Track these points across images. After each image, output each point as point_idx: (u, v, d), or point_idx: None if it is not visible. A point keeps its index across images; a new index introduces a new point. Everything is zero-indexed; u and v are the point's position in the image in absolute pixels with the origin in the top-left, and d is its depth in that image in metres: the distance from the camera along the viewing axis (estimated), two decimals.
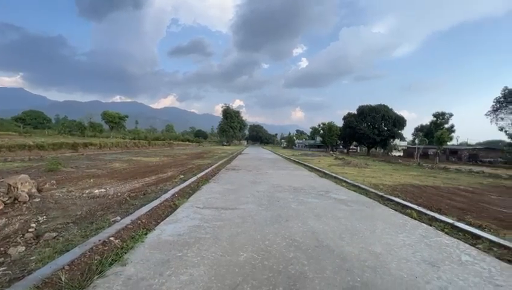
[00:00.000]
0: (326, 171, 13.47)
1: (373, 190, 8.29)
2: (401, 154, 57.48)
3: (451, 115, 49.48)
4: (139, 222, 4.34)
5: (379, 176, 13.00)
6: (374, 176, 12.55)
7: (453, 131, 45.09)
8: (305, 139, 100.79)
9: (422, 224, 5.07)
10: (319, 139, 72.57)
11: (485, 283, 2.89)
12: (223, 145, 78.24)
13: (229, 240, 3.83)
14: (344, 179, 10.86)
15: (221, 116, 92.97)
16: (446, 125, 46.33)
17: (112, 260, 3.03)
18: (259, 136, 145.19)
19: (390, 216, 5.61)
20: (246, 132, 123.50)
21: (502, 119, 40.51)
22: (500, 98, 40.73)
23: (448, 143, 42.45)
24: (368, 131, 52.27)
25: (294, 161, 22.55)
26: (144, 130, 72.86)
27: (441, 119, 48.23)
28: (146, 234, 3.94)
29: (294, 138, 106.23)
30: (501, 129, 40.84)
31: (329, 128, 60.09)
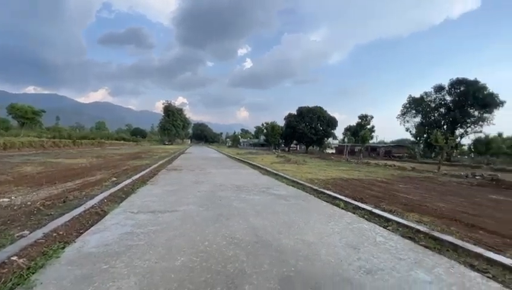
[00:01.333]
0: (269, 169, 14.03)
1: (309, 185, 9.00)
2: (334, 151, 64.14)
3: (372, 117, 57.51)
4: (55, 234, 3.71)
5: (315, 171, 14.21)
6: (311, 172, 13.65)
7: (374, 131, 52.47)
8: (250, 138, 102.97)
9: (348, 212, 5.75)
10: (262, 138, 75.11)
11: (393, 258, 3.44)
12: (165, 144, 73.68)
13: (166, 244, 3.61)
14: (284, 175, 11.49)
15: (162, 113, 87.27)
16: (368, 126, 53.59)
17: (13, 284, 2.50)
18: (204, 135, 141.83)
19: (323, 207, 6.18)
20: (190, 130, 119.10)
21: (408, 121, 49.17)
22: (406, 104, 49.32)
23: (370, 141, 49.23)
24: (306, 130, 56.61)
25: (239, 159, 22.79)
26: (68, 127, 62.79)
27: (364, 120, 55.55)
28: (63, 248, 3.39)
29: (240, 137, 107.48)
30: (407, 130, 49.49)
31: (272, 127, 62.77)
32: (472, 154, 46.13)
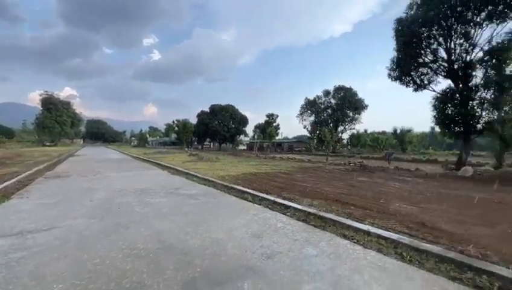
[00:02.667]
0: (179, 168, 13.38)
1: (220, 181, 9.12)
2: (245, 148, 67.57)
3: (277, 116, 63.71)
4: None
5: (227, 168, 14.54)
6: (223, 169, 13.88)
7: (279, 128, 58.21)
8: (160, 137, 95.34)
9: (255, 205, 6.16)
10: (174, 136, 70.96)
11: (290, 241, 3.92)
12: (45, 145, 58.62)
13: (35, 274, 2.86)
14: (196, 174, 11.23)
15: (39, 107, 68.92)
16: (275, 124, 59.03)
17: None
18: (101, 134, 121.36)
19: (232, 203, 6.39)
20: (82, 128, 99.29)
21: (305, 120, 57.02)
22: (303, 105, 57.14)
23: (276, 138, 54.41)
24: (219, 128, 57.22)
25: (145, 159, 20.72)
26: None
27: (271, 119, 60.83)
28: None
29: (148, 135, 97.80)
30: (304, 127, 57.33)
31: (184, 125, 60.15)
32: (349, 147, 58.26)
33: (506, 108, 12.67)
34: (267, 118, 62.51)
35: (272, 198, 6.44)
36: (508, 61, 12.61)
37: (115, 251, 3.45)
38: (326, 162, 21.11)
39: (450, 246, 3.67)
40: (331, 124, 52.96)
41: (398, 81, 17.98)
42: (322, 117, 54.83)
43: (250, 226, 4.57)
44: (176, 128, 64.90)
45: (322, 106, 55.01)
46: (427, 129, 58.47)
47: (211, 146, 76.60)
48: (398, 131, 49.47)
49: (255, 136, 63.09)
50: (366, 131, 58.99)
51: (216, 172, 12.16)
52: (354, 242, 3.86)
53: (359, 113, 50.84)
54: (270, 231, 4.31)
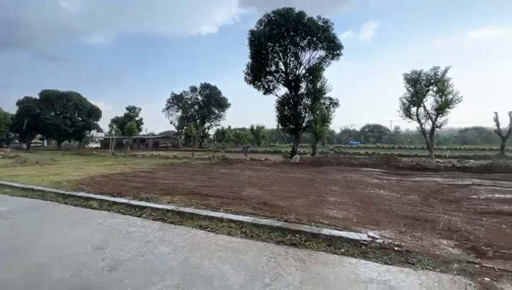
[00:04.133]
0: None
1: (53, 190, 7.08)
2: (99, 145, 56.31)
3: (140, 109, 57.31)
4: None
5: (67, 171, 11.51)
6: (60, 173, 10.87)
7: (142, 123, 52.68)
8: None
9: (102, 211, 5.24)
10: None
11: (141, 244, 3.61)
12: None
13: None
14: (10, 183, 8.11)
15: None
16: (137, 118, 52.85)
17: None
18: None
19: (68, 214, 5.12)
20: None
21: (171, 115, 54.93)
22: (170, 100, 54.84)
23: (140, 133, 48.85)
24: (57, 121, 44.08)
25: None
26: None
27: (132, 112, 53.97)
28: None
29: None
30: (171, 122, 55.22)
31: None
32: (215, 142, 61.92)
33: (318, 112, 17.85)
34: (128, 111, 54.94)
35: (125, 201, 5.71)
36: (318, 78, 17.76)
37: None
38: (192, 157, 21.32)
39: (280, 217, 4.71)
40: (199, 120, 54.02)
41: (252, 85, 20.90)
42: (190, 113, 54.78)
43: (91, 238, 3.83)
44: None
45: (190, 102, 54.91)
46: (275, 126, 72.25)
47: (45, 144, 57.95)
48: (255, 128, 57.88)
49: (112, 132, 53.87)
50: (230, 127, 64.80)
51: (49, 178, 9.33)
52: (208, 231, 4.11)
53: (223, 111, 54.90)
54: (117, 239, 3.80)
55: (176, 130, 56.67)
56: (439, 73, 17.09)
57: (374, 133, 77.09)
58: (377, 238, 3.60)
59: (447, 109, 16.97)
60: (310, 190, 7.61)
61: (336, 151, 31.19)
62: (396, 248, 3.36)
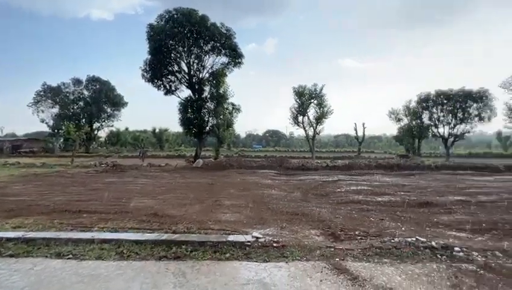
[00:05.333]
0: None
1: None
2: None
3: None
4: None
5: None
6: None
7: None
8: None
9: None
10: None
11: None
12: None
13: None
14: None
15: None
16: None
17: None
18: None
19: None
20: None
21: (43, 111, 43.46)
22: (41, 92, 43.30)
23: None
24: None
25: None
26: None
27: None
28: None
29: None
30: (43, 121, 43.71)
31: None
32: (108, 145, 53.07)
33: (221, 116, 18.21)
34: None
35: None
36: (221, 83, 18.14)
37: None
38: (71, 164, 17.37)
39: (168, 228, 4.35)
40: (84, 120, 44.91)
41: (150, 83, 19.13)
42: (72, 110, 44.73)
43: None
44: None
45: (72, 97, 44.86)
46: (182, 129, 68.82)
47: None
48: (157, 130, 53.34)
49: None
50: (127, 129, 57.11)
51: None
52: (68, 259, 3.29)
53: (118, 110, 47.78)
54: None
55: (51, 131, 45.03)
56: (317, 89, 20.88)
57: (273, 138, 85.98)
58: (260, 238, 3.85)
59: (323, 119, 20.90)
60: (207, 194, 7.52)
61: (240, 154, 32.75)
62: (275, 244, 3.67)
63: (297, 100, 21.16)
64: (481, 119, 23.65)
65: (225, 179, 10.85)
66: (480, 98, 23.43)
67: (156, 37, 17.68)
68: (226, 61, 19.79)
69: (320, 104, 20.55)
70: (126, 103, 47.91)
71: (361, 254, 3.38)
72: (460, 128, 24.43)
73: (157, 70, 18.55)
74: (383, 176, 12.01)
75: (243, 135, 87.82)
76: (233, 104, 19.93)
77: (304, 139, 25.78)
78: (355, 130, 26.56)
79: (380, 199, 6.90)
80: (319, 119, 20.85)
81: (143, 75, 18.89)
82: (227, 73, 19.53)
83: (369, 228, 4.58)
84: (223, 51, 19.50)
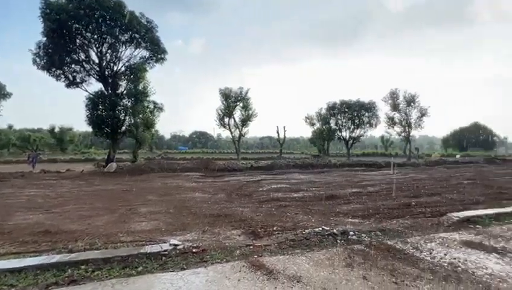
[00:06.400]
0: None
1: None
2: None
3: None
4: None
5: None
6: None
7: None
8: None
9: None
10: None
11: None
12: None
13: None
14: None
15: None
16: None
17: None
18: None
19: None
20: None
21: None
22: None
23: None
24: None
25: None
26: None
27: None
28: None
29: None
30: None
31: None
32: None
33: (140, 115, 16.51)
34: None
35: None
36: (140, 79, 16.45)
37: None
38: None
39: (64, 247, 3.61)
40: None
41: (46, 72, 15.67)
42: None
43: None
44: None
45: None
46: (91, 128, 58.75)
47: None
48: (57, 129, 44.06)
49: None
50: (11, 127, 45.03)
51: None
52: None
53: None
54: None
55: None
56: (243, 92, 21.61)
57: (201, 139, 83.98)
58: (179, 245, 3.64)
59: (249, 121, 21.77)
60: (120, 203, 6.65)
61: (163, 156, 30.56)
62: (194, 250, 3.53)
63: (224, 102, 21.34)
64: (371, 125, 29.42)
65: (143, 184, 9.87)
66: (370, 108, 29.11)
67: (54, 16, 14.59)
68: (147, 56, 18.14)
69: (246, 107, 21.33)
70: (9, 94, 37.90)
71: (277, 248, 3.63)
72: (357, 132, 29.72)
73: (56, 57, 15.33)
74: (299, 174, 13.36)
75: (167, 136, 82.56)
76: (155, 103, 18.39)
77: (230, 140, 26.16)
78: (278, 132, 28.76)
79: (295, 195, 7.62)
80: (245, 121, 21.59)
81: (35, 61, 15.27)
82: (147, 68, 17.89)
83: (286, 222, 4.97)
84: (143, 44, 17.80)
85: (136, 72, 16.16)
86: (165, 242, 3.78)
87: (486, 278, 2.72)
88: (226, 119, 21.87)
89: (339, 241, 3.88)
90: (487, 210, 5.17)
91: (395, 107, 27.53)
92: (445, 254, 3.34)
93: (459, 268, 2.96)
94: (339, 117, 29.95)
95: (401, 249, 3.52)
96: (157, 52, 18.05)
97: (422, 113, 26.95)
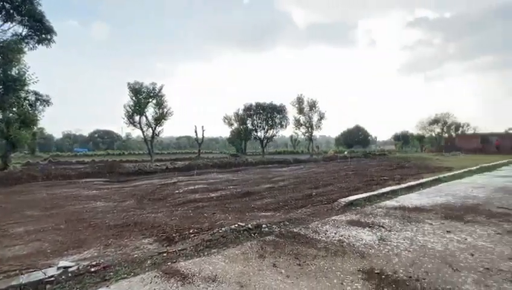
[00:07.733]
0: None
1: None
2: None
3: None
4: None
5: None
6: None
7: None
8: None
9: None
10: None
11: None
12: None
13: None
14: None
15: None
16: None
17: None
18: None
19: None
20: None
21: None
22: None
23: None
24: None
25: None
26: None
27: None
28: None
29: None
30: None
31: None
32: None
33: (14, 109, 12.77)
34: None
35: None
36: (13, 62, 12.71)
37: None
38: None
39: None
40: None
41: None
42: None
43: None
44: None
45: None
46: None
47: None
48: None
49: None
50: None
51: None
52: None
53: None
54: None
55: None
56: (156, 89, 19.93)
57: (105, 139, 72.60)
58: (71, 267, 3.03)
59: (163, 120, 20.25)
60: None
61: (52, 160, 24.74)
62: (93, 269, 3.02)
63: (133, 98, 19.05)
64: (282, 126, 32.68)
65: (19, 197, 7.73)
66: (281, 111, 32.26)
67: None
68: (24, 33, 14.25)
69: (160, 105, 19.71)
70: None
71: (193, 251, 3.54)
72: (270, 132, 32.38)
73: None
74: (218, 174, 13.42)
75: (58, 136, 67.86)
76: (37, 94, 14.55)
77: (142, 140, 23.66)
78: (196, 132, 27.98)
79: (213, 194, 7.62)
80: (159, 120, 19.94)
81: None
82: (25, 49, 14.02)
83: (203, 223, 4.91)
84: (17, 17, 13.90)
85: (5, 52, 12.37)
86: (51, 266, 3.08)
87: (362, 248, 3.47)
88: (137, 117, 19.63)
89: (253, 235, 4.12)
90: (363, 194, 6.57)
91: (300, 110, 31.54)
92: (335, 233, 4.06)
93: (344, 243, 3.65)
94: (254, 118, 31.79)
95: (304, 234, 4.06)
96: (39, 30, 14.42)
97: (321, 117, 32.02)
